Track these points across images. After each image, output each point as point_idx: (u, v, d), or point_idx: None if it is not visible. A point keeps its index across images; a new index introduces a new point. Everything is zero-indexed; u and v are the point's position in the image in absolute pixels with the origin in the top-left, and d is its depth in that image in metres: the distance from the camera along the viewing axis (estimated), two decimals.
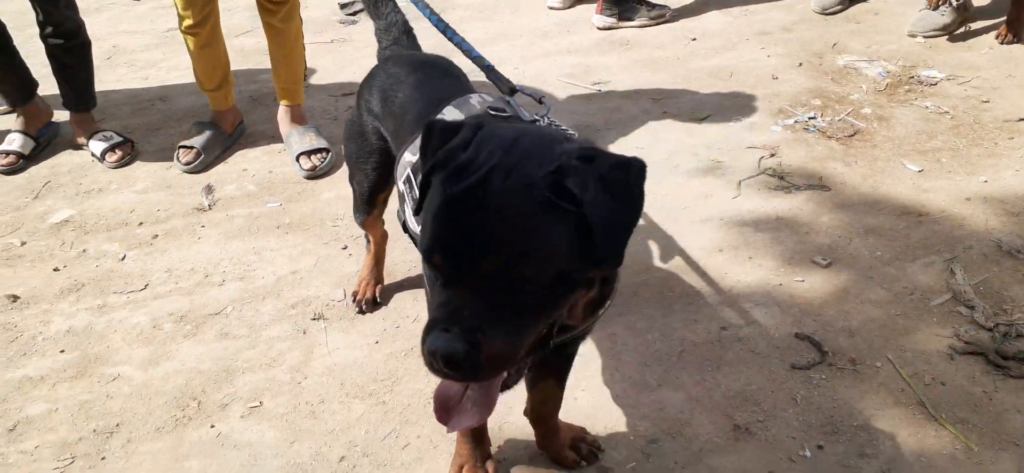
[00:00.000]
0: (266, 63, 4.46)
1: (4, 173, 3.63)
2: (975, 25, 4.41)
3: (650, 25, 4.80)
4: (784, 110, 3.75)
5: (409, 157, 1.81)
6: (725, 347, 2.43)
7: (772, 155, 3.39)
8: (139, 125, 4.07)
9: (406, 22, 2.48)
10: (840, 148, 3.42)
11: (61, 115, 3.93)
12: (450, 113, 1.78)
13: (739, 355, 2.40)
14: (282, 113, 3.78)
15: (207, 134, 3.71)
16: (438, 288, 1.26)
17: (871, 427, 2.14)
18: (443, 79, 2.06)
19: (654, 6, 4.86)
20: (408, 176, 1.79)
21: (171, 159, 3.69)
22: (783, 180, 3.21)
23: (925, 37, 4.32)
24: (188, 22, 3.50)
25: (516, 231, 1.21)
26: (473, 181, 1.24)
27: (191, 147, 3.65)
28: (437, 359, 1.20)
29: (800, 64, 4.19)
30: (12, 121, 3.83)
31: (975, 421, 2.15)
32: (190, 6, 3.45)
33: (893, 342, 2.42)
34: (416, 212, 1.42)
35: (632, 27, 4.79)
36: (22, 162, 3.68)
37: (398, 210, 1.94)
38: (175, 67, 4.78)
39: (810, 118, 3.66)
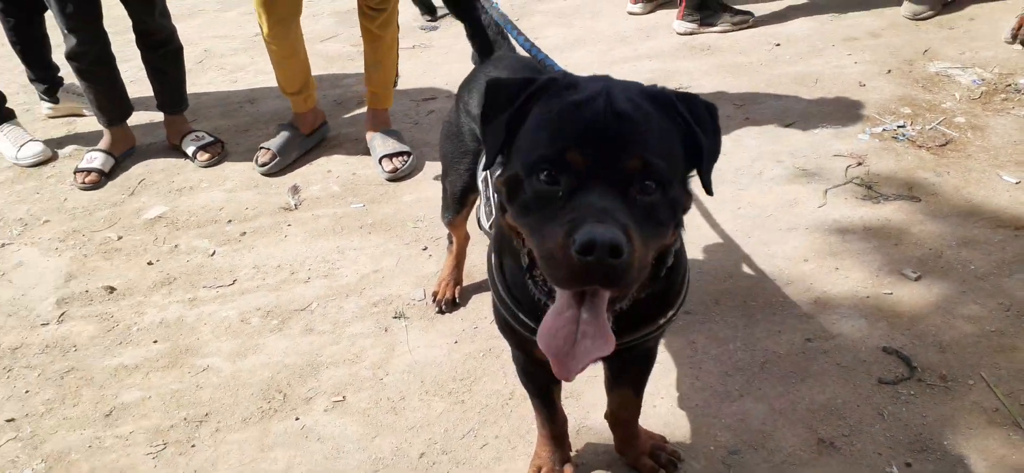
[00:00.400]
0: (351, 68, 4.62)
1: (86, 189, 3.72)
2: None
3: (732, 30, 4.73)
4: (872, 118, 3.64)
5: None
6: (810, 359, 2.38)
7: (859, 164, 3.30)
8: (229, 126, 4.22)
9: (495, 24, 2.48)
10: (931, 158, 3.30)
11: (145, 125, 4.10)
12: None
13: (824, 368, 2.34)
14: (368, 116, 3.87)
15: (284, 136, 3.82)
16: (563, 193, 1.20)
17: (962, 447, 2.07)
18: None
19: (737, 12, 4.79)
20: (486, 176, 1.82)
21: None
22: (871, 190, 3.12)
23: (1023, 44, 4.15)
24: (268, 32, 3.59)
25: (652, 133, 1.25)
26: (597, 92, 1.25)
27: (268, 149, 3.77)
28: (598, 249, 1.10)
29: (889, 71, 4.06)
30: (100, 139, 3.93)
31: None
32: (270, 18, 3.53)
33: (987, 359, 2.32)
34: (502, 149, 1.34)
35: (714, 32, 4.73)
36: (103, 179, 3.78)
37: (478, 211, 1.97)
38: (262, 70, 4.93)
39: (899, 126, 3.54)
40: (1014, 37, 4.15)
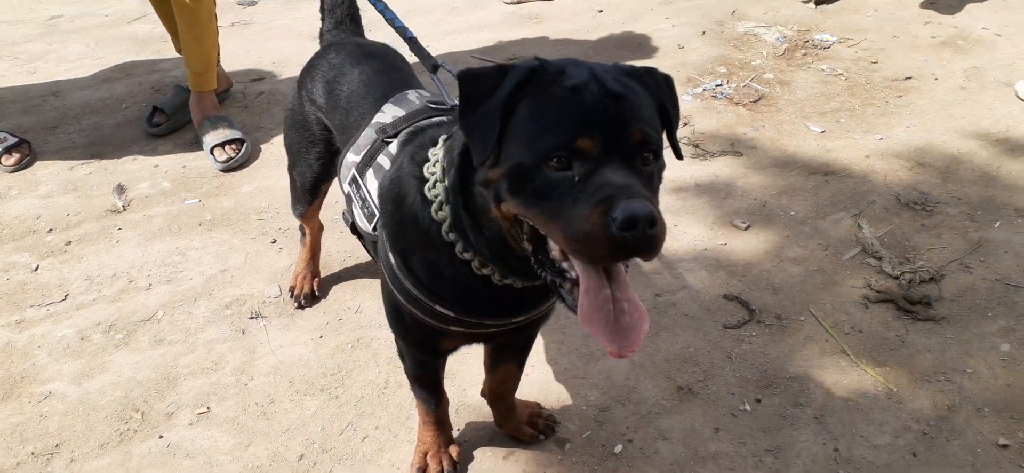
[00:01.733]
0: (166, 50, 4.32)
1: None
2: None
3: None
4: (692, 79, 3.90)
5: (353, 157, 1.80)
6: (661, 313, 2.55)
7: (685, 124, 3.53)
8: (33, 124, 3.84)
9: (353, 4, 2.40)
10: (747, 113, 3.60)
11: None
12: (390, 110, 1.79)
13: (675, 319, 2.52)
14: (193, 101, 3.67)
15: (179, 98, 3.74)
16: (579, 177, 1.22)
17: (802, 377, 2.31)
18: (389, 73, 2.04)
19: None
20: (353, 176, 1.78)
21: (74, 159, 3.52)
22: (698, 147, 3.36)
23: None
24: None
25: (643, 107, 1.31)
26: (587, 76, 1.28)
27: (161, 110, 3.68)
28: (640, 222, 1.13)
29: (703, 32, 4.36)
30: None
31: (892, 363, 2.34)
32: None
33: (814, 296, 2.59)
34: (497, 141, 1.30)
35: (540, 2, 4.84)
36: None
37: (344, 212, 1.91)
38: (64, 58, 4.52)
39: (717, 85, 3.82)
40: None
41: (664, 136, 1.41)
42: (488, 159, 1.31)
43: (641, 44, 4.26)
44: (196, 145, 3.60)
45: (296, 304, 2.64)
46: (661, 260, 2.75)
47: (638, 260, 1.26)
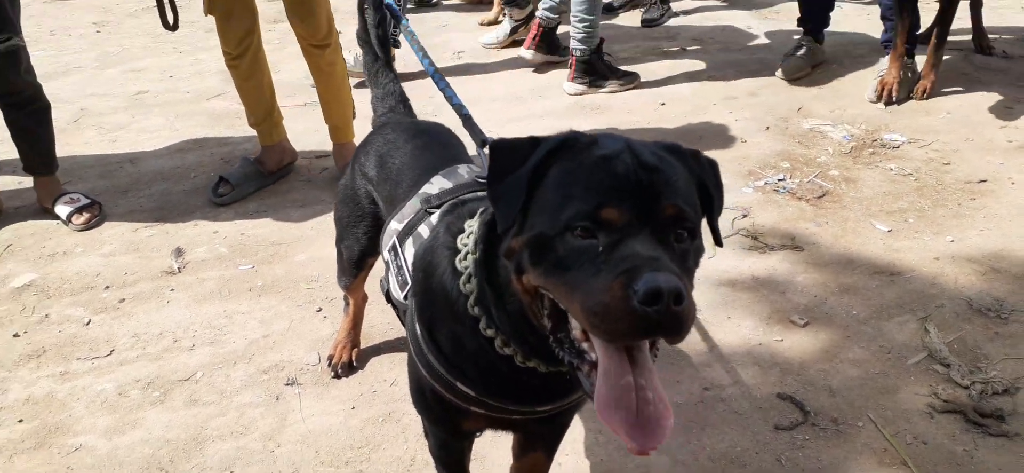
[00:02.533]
0: (238, 125, 4.48)
1: None
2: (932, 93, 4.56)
3: (620, 90, 4.88)
4: (754, 172, 3.81)
5: (395, 226, 1.78)
6: (709, 408, 2.41)
7: (745, 216, 3.43)
8: (107, 187, 4.00)
9: (403, 92, 2.45)
10: (810, 209, 3.47)
11: (13, 189, 3.84)
12: (438, 182, 1.77)
13: (723, 416, 2.38)
14: (335, 151, 4.04)
15: (245, 169, 3.90)
16: (604, 248, 1.14)
17: None
18: (439, 149, 2.03)
19: (624, 73, 4.95)
20: (393, 244, 1.76)
21: (139, 222, 3.63)
22: (757, 240, 3.24)
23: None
24: (227, 53, 3.71)
25: (680, 182, 1.23)
26: (622, 147, 1.22)
27: (227, 180, 3.82)
28: (664, 297, 1.04)
29: (767, 127, 4.28)
30: None
31: None
32: (228, 38, 3.65)
33: (874, 401, 2.42)
34: (523, 210, 1.25)
35: (603, 94, 4.86)
36: None
37: (381, 280, 1.89)
38: (144, 129, 4.73)
39: (780, 180, 3.72)
40: (878, 97, 4.47)
41: (705, 221, 1.34)
42: (512, 228, 1.26)
43: (702, 136, 4.21)
44: (257, 214, 3.68)
45: (333, 373, 2.61)
46: (711, 352, 2.63)
47: (670, 344, 1.18)
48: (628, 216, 1.16)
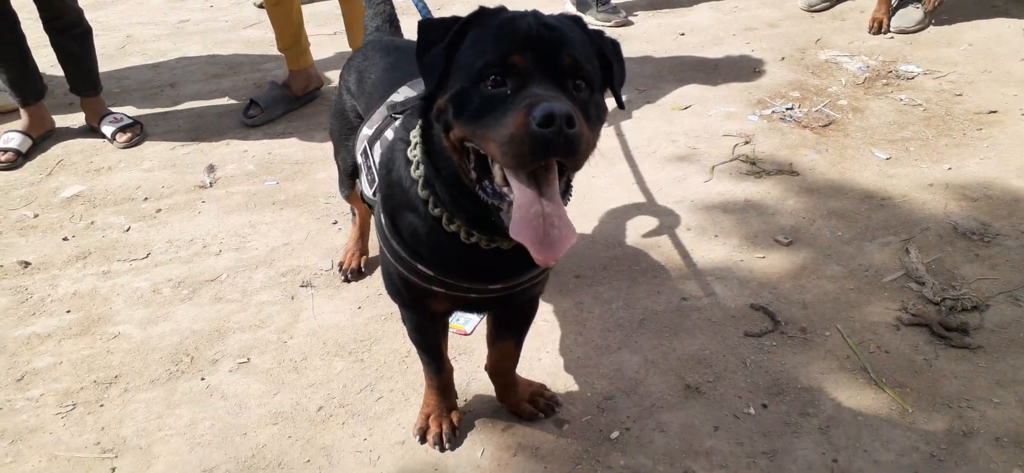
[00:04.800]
0: (271, 52, 4.69)
1: (2, 169, 3.74)
2: (956, 24, 4.53)
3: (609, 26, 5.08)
4: (763, 101, 3.89)
5: (366, 132, 1.98)
6: (684, 316, 2.58)
7: (746, 143, 3.53)
8: (149, 109, 4.28)
9: (393, 12, 2.63)
10: (813, 137, 3.56)
11: (66, 107, 4.13)
12: (404, 91, 1.94)
13: (696, 323, 2.55)
14: None
15: (273, 93, 4.12)
16: (511, 91, 1.35)
17: (814, 389, 2.29)
18: (411, 64, 2.20)
19: (613, 9, 5.13)
20: (364, 148, 1.95)
21: (177, 141, 3.90)
22: (754, 166, 3.36)
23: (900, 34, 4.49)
24: None
25: (578, 39, 1.45)
26: (526, 12, 1.44)
27: (256, 104, 4.05)
28: (556, 119, 1.24)
29: (783, 58, 4.33)
30: (17, 120, 3.97)
31: (913, 385, 2.29)
32: None
33: (844, 314, 2.56)
34: (445, 70, 1.46)
35: (608, 25, 4.98)
36: (20, 159, 3.81)
37: (357, 181, 2.09)
38: (185, 55, 4.99)
39: (788, 109, 3.80)
40: (872, 31, 4.49)
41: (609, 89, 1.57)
42: (438, 91, 1.47)
43: (717, 67, 4.28)
44: (284, 135, 3.92)
45: (343, 277, 2.84)
46: (693, 268, 2.79)
47: (570, 168, 1.39)
48: (531, 63, 1.37)
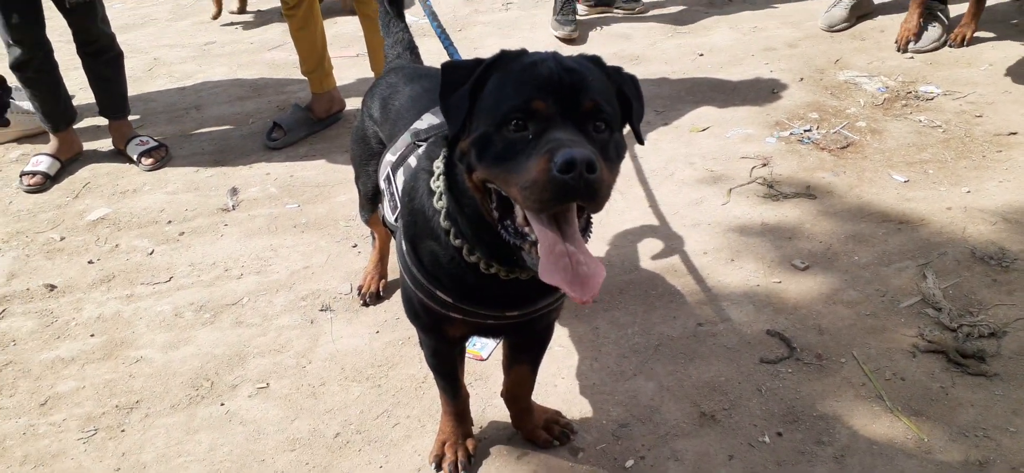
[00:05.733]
0: (295, 74, 4.76)
1: (30, 192, 3.83)
2: (977, 44, 4.51)
3: (629, 16, 5.38)
4: (781, 123, 3.89)
5: (390, 158, 2.02)
6: (700, 342, 2.59)
7: (764, 165, 3.53)
8: (174, 131, 4.36)
9: (411, 40, 2.67)
10: (831, 159, 3.55)
11: (93, 129, 4.22)
12: (427, 118, 1.98)
13: (712, 349, 2.55)
14: None
15: (296, 116, 4.19)
16: (533, 136, 1.38)
17: (830, 417, 2.29)
18: (435, 91, 2.23)
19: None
20: (388, 174, 1.99)
21: (202, 164, 3.97)
22: (772, 189, 3.36)
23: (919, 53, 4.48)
24: (284, 2, 3.98)
25: (597, 81, 1.48)
26: (547, 56, 1.48)
27: (279, 126, 4.12)
28: (577, 165, 1.27)
29: (801, 79, 4.32)
30: (47, 144, 4.04)
31: (929, 413, 2.28)
32: None
33: (860, 340, 2.55)
34: (467, 114, 1.49)
35: (631, 32, 5.08)
36: (48, 182, 3.90)
37: (380, 206, 2.13)
38: (210, 77, 5.08)
39: (806, 131, 3.79)
40: (899, 47, 4.47)
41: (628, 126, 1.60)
42: (461, 132, 1.50)
43: (735, 88, 4.28)
44: (307, 157, 3.98)
45: (362, 301, 2.88)
46: (709, 292, 2.79)
47: (591, 210, 1.43)
48: (553, 108, 1.40)
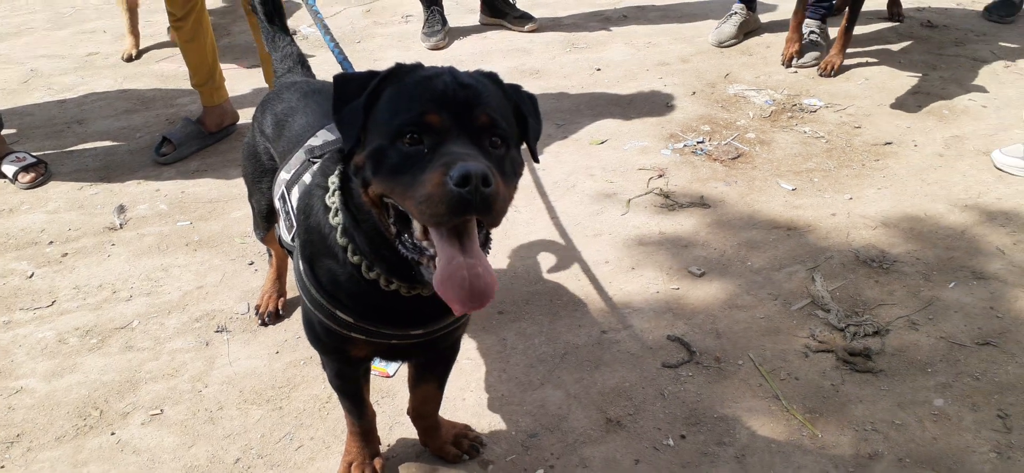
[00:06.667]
0: (185, 85, 4.58)
1: None
2: (855, 60, 4.79)
3: (517, 30, 5.53)
4: (675, 135, 4.01)
5: (284, 176, 1.96)
6: (604, 349, 2.63)
7: (661, 176, 3.64)
8: (54, 147, 4.11)
9: (301, 53, 2.61)
10: (723, 169, 3.69)
11: None
12: (322, 135, 1.94)
13: (616, 356, 2.60)
14: None
15: (186, 130, 4.03)
16: (428, 149, 1.36)
17: (729, 418, 2.36)
18: (329, 107, 2.19)
19: (521, 14, 5.60)
20: (282, 192, 1.94)
21: (85, 181, 3.77)
22: (668, 199, 3.45)
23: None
24: (172, 14, 3.85)
25: (493, 96, 1.48)
26: (442, 70, 1.46)
27: (169, 140, 3.94)
28: (473, 178, 1.26)
29: (694, 93, 4.48)
30: None
31: (822, 410, 2.38)
32: (173, 0, 3.78)
33: (756, 342, 2.65)
34: (361, 128, 1.47)
35: (529, 48, 5.17)
36: None
37: (275, 226, 2.07)
38: (94, 90, 4.83)
39: (698, 142, 3.93)
40: (784, 62, 4.72)
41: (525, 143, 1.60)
42: (356, 147, 1.48)
43: (632, 101, 4.39)
44: (197, 173, 3.83)
45: (260, 321, 2.79)
46: (611, 301, 2.85)
47: (488, 225, 1.43)
48: (447, 122, 1.40)
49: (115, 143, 4.16)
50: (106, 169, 3.89)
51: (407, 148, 1.38)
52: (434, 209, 1.31)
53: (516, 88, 1.61)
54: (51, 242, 3.32)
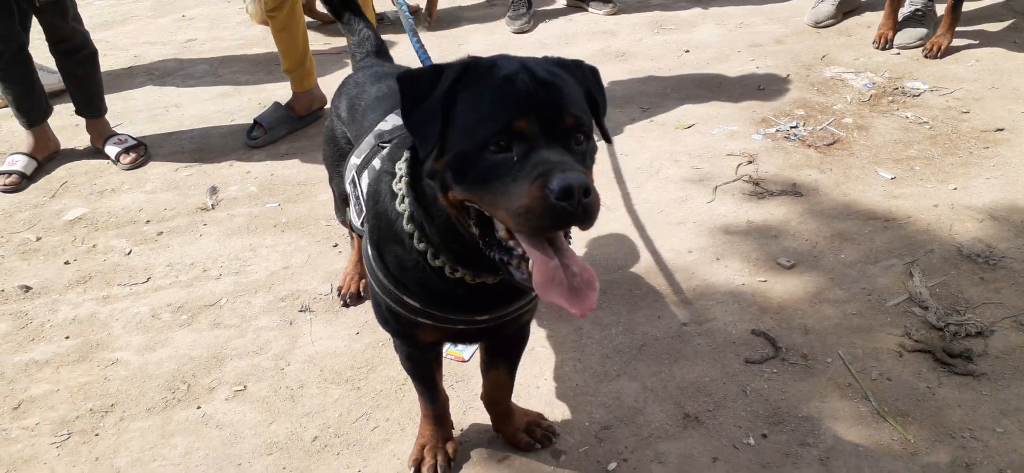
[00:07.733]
0: (276, 72, 4.70)
1: (6, 192, 3.75)
2: (963, 41, 4.50)
3: (605, 13, 5.42)
4: (767, 119, 3.86)
5: (355, 160, 1.97)
6: (684, 341, 2.55)
7: (750, 162, 3.50)
8: (153, 130, 4.29)
9: (378, 38, 2.62)
10: (817, 156, 3.53)
11: (71, 128, 4.15)
12: (391, 119, 1.93)
13: (697, 349, 2.52)
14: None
15: (277, 114, 4.15)
16: (518, 157, 1.33)
17: (815, 418, 2.25)
18: None
19: None
20: (353, 177, 1.94)
21: (180, 162, 3.91)
22: (758, 186, 3.33)
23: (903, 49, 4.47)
24: (268, 5, 3.94)
25: (572, 93, 1.43)
26: (518, 67, 1.41)
27: (260, 123, 4.07)
28: (575, 192, 1.25)
29: (787, 76, 4.30)
30: (21, 141, 3.97)
31: (916, 414, 2.25)
32: None
33: (846, 340, 2.52)
34: (439, 134, 1.41)
35: (615, 29, 5.05)
36: (24, 182, 3.82)
37: (347, 210, 2.07)
38: (190, 76, 5.01)
39: (792, 127, 3.77)
40: (877, 45, 4.46)
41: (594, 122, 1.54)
42: (433, 152, 1.43)
43: (722, 84, 4.25)
44: (287, 156, 3.92)
45: (342, 302, 2.83)
46: (694, 292, 2.76)
47: (582, 230, 1.37)
48: (535, 127, 1.36)
49: (209, 126, 4.31)
50: (200, 151, 4.03)
51: (494, 156, 1.35)
52: (535, 222, 1.29)
53: (580, 67, 1.55)
54: (148, 221, 3.46)
